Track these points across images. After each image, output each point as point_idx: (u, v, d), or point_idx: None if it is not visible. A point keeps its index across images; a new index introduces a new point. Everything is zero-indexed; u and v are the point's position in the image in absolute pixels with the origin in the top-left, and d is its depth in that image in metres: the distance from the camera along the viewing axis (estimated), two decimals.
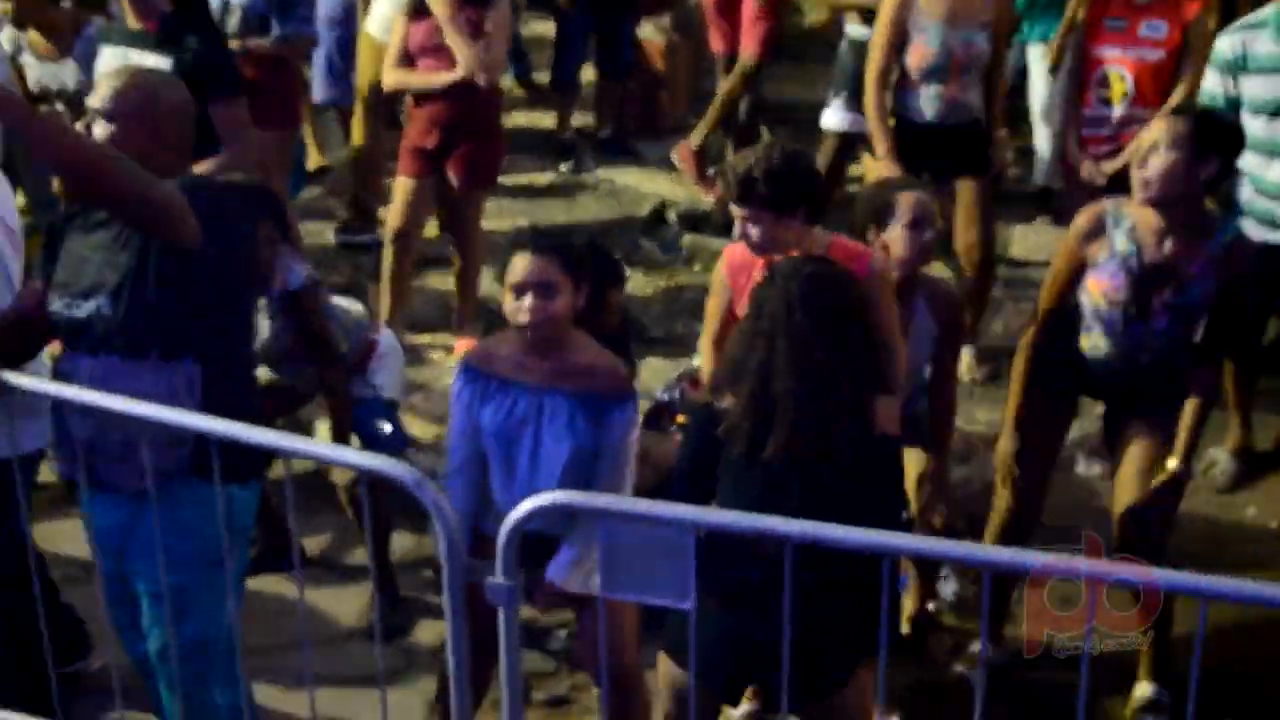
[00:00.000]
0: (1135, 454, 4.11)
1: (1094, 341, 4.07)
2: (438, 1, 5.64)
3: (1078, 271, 4.03)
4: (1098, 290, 3.98)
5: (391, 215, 6.07)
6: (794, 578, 2.65)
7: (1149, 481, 4.05)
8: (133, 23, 4.91)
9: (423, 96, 5.83)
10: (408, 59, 5.79)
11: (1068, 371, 4.17)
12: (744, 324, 3.40)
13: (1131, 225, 3.89)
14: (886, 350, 3.81)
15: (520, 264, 3.57)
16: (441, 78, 5.73)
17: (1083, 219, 4.03)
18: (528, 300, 3.53)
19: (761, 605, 3.13)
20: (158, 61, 4.72)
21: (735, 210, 3.76)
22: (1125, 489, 4.11)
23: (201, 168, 4.67)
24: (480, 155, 6.03)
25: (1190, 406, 3.97)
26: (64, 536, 4.63)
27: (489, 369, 3.70)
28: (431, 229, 6.49)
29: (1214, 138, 3.81)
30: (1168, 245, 3.84)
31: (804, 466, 3.23)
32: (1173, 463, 3.98)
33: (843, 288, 3.35)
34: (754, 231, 3.72)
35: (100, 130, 3.44)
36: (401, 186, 5.99)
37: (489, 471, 3.76)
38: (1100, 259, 3.96)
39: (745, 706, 4.00)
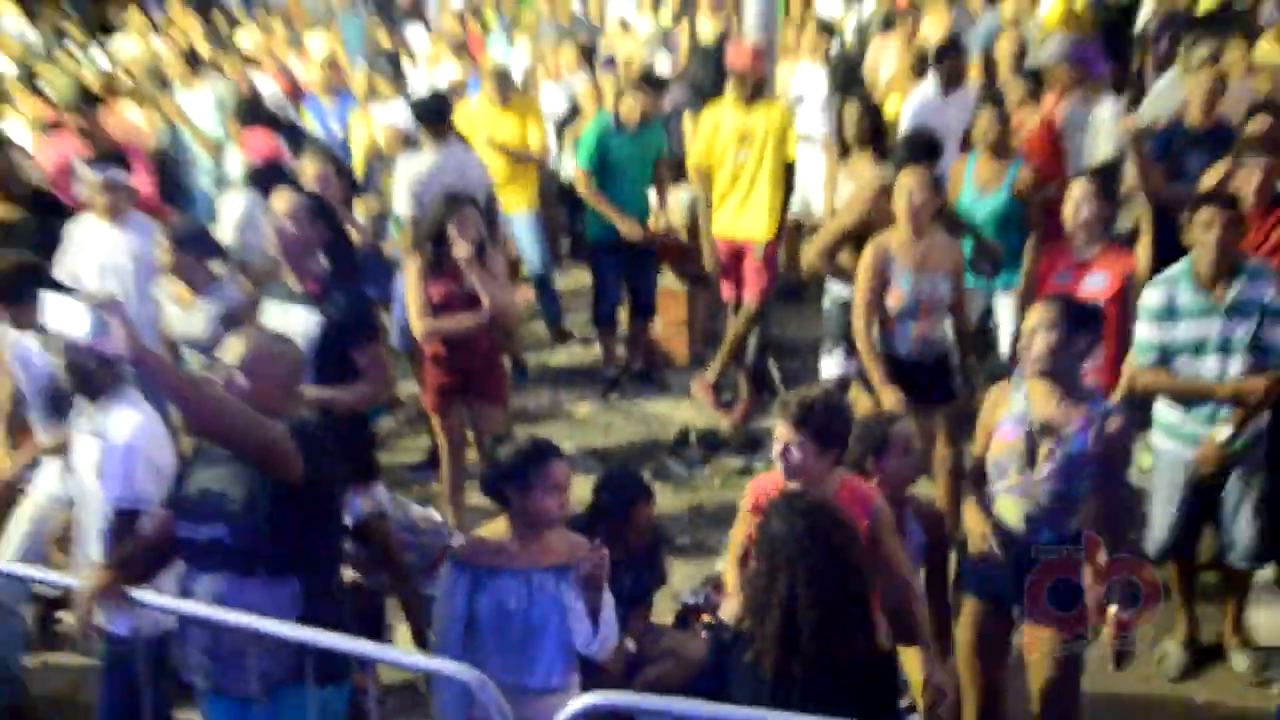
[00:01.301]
0: (1040, 640, 4.15)
1: (999, 507, 4.15)
2: (463, 255, 5.75)
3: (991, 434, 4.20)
4: (999, 445, 4.12)
5: (440, 442, 6.20)
6: None
7: (1055, 665, 4.11)
8: (292, 284, 5.03)
9: (448, 339, 5.93)
10: (433, 309, 5.87)
11: (989, 570, 4.20)
12: (758, 563, 3.33)
13: (1026, 391, 4.09)
14: (905, 587, 3.86)
15: (563, 470, 3.73)
16: (471, 319, 5.85)
17: (992, 392, 4.26)
18: (563, 498, 3.72)
19: None
20: (307, 316, 4.87)
21: (785, 433, 3.78)
22: (1036, 673, 4.18)
23: (348, 394, 4.87)
24: (495, 378, 6.18)
25: None
26: None
27: (476, 561, 3.76)
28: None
29: (1081, 320, 4.05)
30: (1052, 406, 4.03)
31: (819, 684, 3.20)
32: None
33: (842, 520, 3.34)
34: (795, 454, 3.77)
35: (238, 381, 3.58)
36: (438, 421, 6.13)
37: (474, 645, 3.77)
38: (1001, 418, 4.14)
39: None
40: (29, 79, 9.55)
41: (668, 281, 8.33)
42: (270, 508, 3.50)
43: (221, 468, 3.57)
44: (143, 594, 3.67)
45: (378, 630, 4.91)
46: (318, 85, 9.38)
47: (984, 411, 4.25)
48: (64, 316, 3.13)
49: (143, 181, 7.01)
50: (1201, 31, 8.94)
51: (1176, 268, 4.90)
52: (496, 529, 3.81)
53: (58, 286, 5.12)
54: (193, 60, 9.68)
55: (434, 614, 3.91)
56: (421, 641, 4.73)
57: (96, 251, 6.11)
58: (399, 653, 4.05)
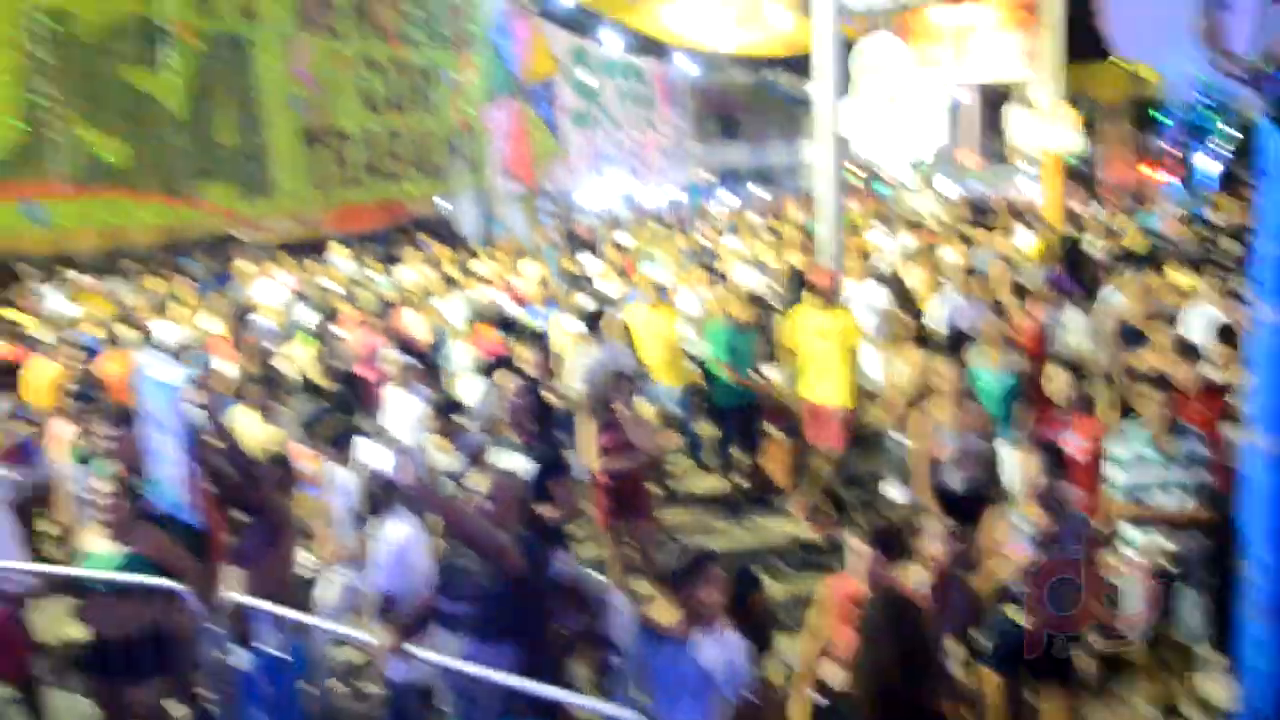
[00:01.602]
0: (1050, 697, 4.09)
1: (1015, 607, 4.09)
2: (624, 414, 5.94)
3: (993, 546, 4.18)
4: (1015, 554, 4.11)
5: (608, 546, 6.22)
6: None
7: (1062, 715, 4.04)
8: (513, 437, 5.30)
9: (612, 473, 5.97)
10: (602, 453, 5.99)
11: (1006, 650, 4.13)
12: (860, 639, 3.33)
13: (1024, 517, 4.12)
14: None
15: (718, 573, 3.69)
16: (628, 460, 5.89)
17: (988, 515, 4.29)
18: (718, 592, 3.66)
19: None
20: (524, 460, 4.99)
21: (858, 547, 3.89)
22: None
23: (548, 512, 4.89)
24: (645, 500, 6.16)
25: None
26: None
27: (655, 630, 3.75)
28: None
29: (1058, 461, 4.14)
30: (1046, 524, 4.06)
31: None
32: None
33: (917, 609, 3.33)
34: (869, 560, 3.88)
35: (481, 503, 3.77)
36: (604, 531, 6.19)
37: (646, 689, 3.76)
38: (1008, 536, 4.15)
39: None
40: (348, 296, 10.21)
41: (772, 432, 8.37)
42: (500, 592, 3.63)
43: (467, 562, 3.72)
44: (413, 649, 3.79)
45: (569, 679, 4.93)
46: (534, 297, 9.84)
47: (984, 529, 4.29)
48: (372, 456, 3.40)
49: (420, 363, 7.42)
50: (1128, 262, 9.09)
51: (1135, 428, 4.89)
52: (666, 608, 3.80)
53: (363, 435, 5.49)
54: (448, 281, 10.26)
55: (627, 668, 3.92)
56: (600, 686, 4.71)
57: (394, 411, 6.48)
58: (588, 700, 4.07)
